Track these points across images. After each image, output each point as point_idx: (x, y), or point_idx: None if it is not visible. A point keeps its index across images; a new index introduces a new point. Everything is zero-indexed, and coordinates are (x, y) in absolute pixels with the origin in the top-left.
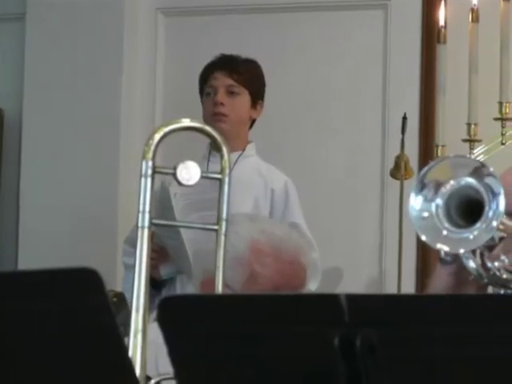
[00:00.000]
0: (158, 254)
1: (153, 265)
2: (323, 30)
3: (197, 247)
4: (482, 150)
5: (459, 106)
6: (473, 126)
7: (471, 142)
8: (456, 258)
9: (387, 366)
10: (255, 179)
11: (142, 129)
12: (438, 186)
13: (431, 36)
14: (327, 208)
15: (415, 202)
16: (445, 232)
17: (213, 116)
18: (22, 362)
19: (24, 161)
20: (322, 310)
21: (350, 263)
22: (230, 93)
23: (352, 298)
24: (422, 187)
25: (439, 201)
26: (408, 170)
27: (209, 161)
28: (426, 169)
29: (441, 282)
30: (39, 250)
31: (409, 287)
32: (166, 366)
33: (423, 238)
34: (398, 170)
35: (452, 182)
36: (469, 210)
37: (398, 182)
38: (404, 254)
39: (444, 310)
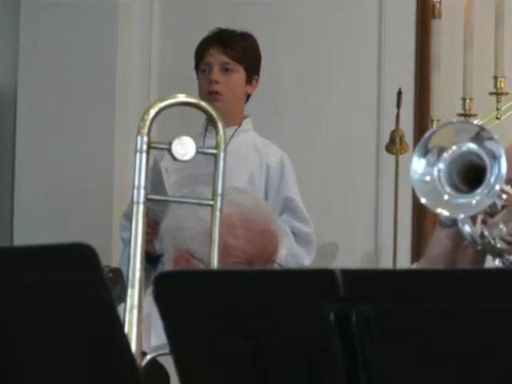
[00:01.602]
0: (153, 229)
1: (148, 240)
2: (319, 4)
3: (166, 223)
4: None
5: (454, 80)
6: (468, 101)
7: (466, 116)
8: (455, 222)
9: (383, 341)
10: (250, 154)
11: (138, 104)
12: (441, 150)
13: (426, 11)
14: (322, 183)
15: (417, 165)
16: (446, 196)
17: (208, 94)
18: (18, 337)
19: (19, 137)
20: (318, 285)
21: (345, 238)
22: (225, 70)
23: (347, 273)
24: (425, 151)
25: (441, 165)
26: (403, 145)
27: (205, 136)
28: (429, 133)
29: (439, 246)
30: (34, 225)
31: (404, 262)
32: (158, 339)
33: (423, 201)
34: (394, 144)
35: (454, 148)
36: (471, 175)
37: (393, 157)
38: (399, 229)
39: (439, 285)
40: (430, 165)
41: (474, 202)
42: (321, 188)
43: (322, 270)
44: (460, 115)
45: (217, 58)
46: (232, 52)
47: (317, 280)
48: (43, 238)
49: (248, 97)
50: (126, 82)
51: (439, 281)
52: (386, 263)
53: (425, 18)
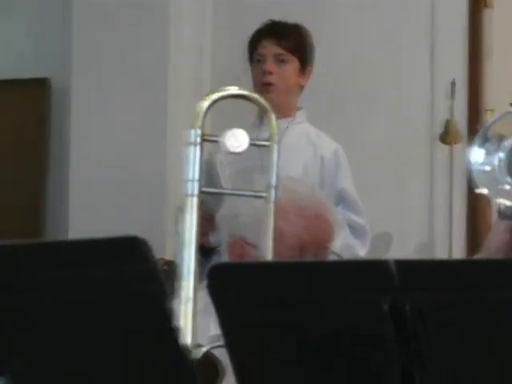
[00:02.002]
0: (208, 221)
1: (202, 232)
2: None
3: (222, 211)
4: None
5: (507, 70)
6: None
7: None
8: None
9: (437, 331)
10: (304, 146)
11: (190, 97)
12: (501, 139)
13: (478, 0)
14: (376, 174)
15: (477, 155)
16: (507, 186)
17: (262, 86)
18: (72, 329)
19: (73, 132)
20: (372, 276)
21: (399, 229)
22: (279, 61)
23: (401, 264)
24: (484, 141)
25: (502, 154)
26: (457, 135)
27: (259, 128)
28: (489, 122)
29: (497, 238)
30: (89, 219)
31: (459, 252)
32: (204, 335)
33: (485, 191)
34: (448, 135)
35: None
36: None
37: (447, 147)
38: (454, 220)
39: (493, 274)
40: (490, 154)
41: None
42: (375, 179)
43: (376, 261)
44: None
45: (270, 49)
46: (285, 43)
47: (371, 271)
48: (97, 232)
49: (301, 88)
50: (179, 74)
51: (493, 271)
52: (440, 254)
53: (477, 8)
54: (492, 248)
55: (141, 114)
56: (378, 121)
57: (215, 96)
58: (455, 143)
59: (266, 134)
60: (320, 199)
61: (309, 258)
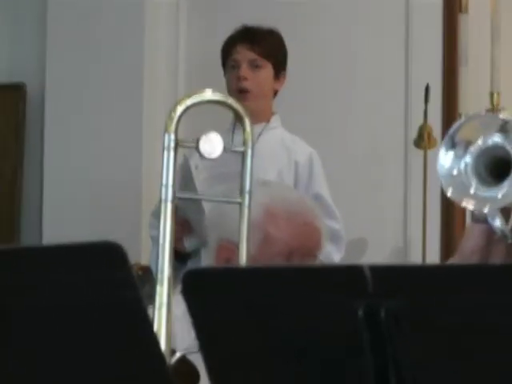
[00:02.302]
0: (182, 226)
1: (177, 237)
2: None
3: (210, 214)
4: None
5: (482, 74)
6: (495, 95)
7: (494, 111)
8: (486, 217)
9: (412, 336)
10: (279, 151)
11: (165, 102)
12: (468, 144)
13: (453, 5)
14: (351, 179)
15: (444, 159)
16: (472, 190)
17: (237, 92)
18: (45, 335)
19: (47, 137)
20: (346, 282)
21: (374, 233)
22: (254, 66)
23: (376, 269)
24: (451, 145)
25: (468, 159)
26: (431, 140)
27: (233, 133)
28: (455, 127)
29: (472, 242)
30: (63, 224)
31: (433, 257)
32: (184, 340)
33: (449, 193)
34: (422, 139)
35: (480, 141)
36: (498, 168)
37: (421, 152)
38: (428, 224)
39: (467, 280)
40: (457, 158)
41: (500, 195)
42: (349, 184)
43: (350, 266)
44: (488, 110)
45: (244, 54)
46: (259, 48)
47: (345, 276)
48: (72, 237)
49: (275, 93)
50: (154, 79)
51: (468, 276)
52: (415, 259)
53: (452, 13)
54: (467, 252)
55: (116, 118)
56: (353, 125)
57: (189, 102)
58: (429, 148)
59: (239, 139)
60: (310, 206)
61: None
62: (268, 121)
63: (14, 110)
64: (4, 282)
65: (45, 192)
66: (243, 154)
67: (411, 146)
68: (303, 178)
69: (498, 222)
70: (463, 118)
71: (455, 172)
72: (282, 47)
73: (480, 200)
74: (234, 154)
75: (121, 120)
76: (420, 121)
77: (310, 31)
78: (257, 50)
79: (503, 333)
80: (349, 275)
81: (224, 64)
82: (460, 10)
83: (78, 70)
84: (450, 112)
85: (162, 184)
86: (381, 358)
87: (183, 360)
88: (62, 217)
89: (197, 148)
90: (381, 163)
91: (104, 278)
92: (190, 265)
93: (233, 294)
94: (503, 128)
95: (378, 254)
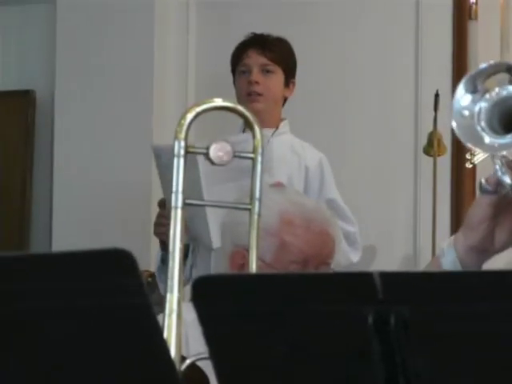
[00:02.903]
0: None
1: (163, 236)
2: (354, 7)
3: (225, 219)
4: None
5: None
6: None
7: None
8: (496, 190)
9: (422, 343)
10: (289, 157)
11: (175, 109)
12: (486, 90)
13: (463, 12)
14: (361, 186)
15: (461, 97)
16: (481, 134)
17: (248, 96)
18: (53, 344)
19: (56, 143)
20: (356, 288)
21: (384, 241)
22: (265, 71)
23: (385, 276)
24: (472, 87)
25: (483, 104)
26: (441, 147)
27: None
28: (479, 69)
29: (480, 212)
30: (73, 231)
31: None
32: (196, 347)
33: (457, 132)
34: (431, 146)
35: (497, 89)
36: (509, 120)
37: (431, 159)
38: (438, 231)
39: (479, 286)
40: (474, 101)
41: (505, 141)
42: (359, 191)
43: (360, 273)
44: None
45: (256, 59)
46: (271, 54)
47: (355, 283)
48: (81, 244)
49: (285, 100)
50: (164, 85)
51: (480, 282)
52: (425, 265)
53: (461, 20)
54: (474, 222)
55: (125, 124)
56: (363, 132)
57: (199, 109)
58: (439, 155)
59: (248, 146)
60: (325, 214)
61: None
62: (277, 127)
63: (24, 116)
64: (13, 287)
65: (54, 197)
66: (253, 161)
67: (421, 153)
68: (314, 183)
69: (508, 179)
70: (484, 63)
71: (467, 113)
72: (291, 55)
73: (486, 145)
74: (239, 169)
75: (130, 125)
76: (430, 128)
77: (320, 39)
78: (268, 55)
79: None
80: (358, 282)
81: (234, 70)
82: (469, 17)
83: (87, 77)
84: None
85: (171, 191)
86: (390, 366)
87: (193, 367)
88: (72, 221)
89: (207, 154)
90: (390, 170)
91: (113, 284)
92: (189, 261)
93: (242, 301)
94: None
95: (388, 261)
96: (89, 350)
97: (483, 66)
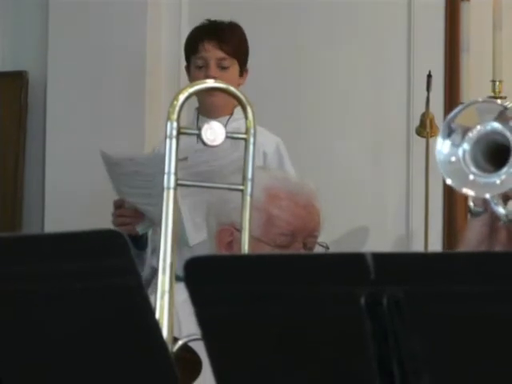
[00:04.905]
0: (132, 216)
1: (128, 226)
2: None
3: (211, 200)
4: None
5: (484, 62)
6: (497, 83)
7: (496, 98)
8: (486, 208)
9: (414, 324)
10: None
11: (168, 89)
12: (465, 130)
13: None
14: (353, 168)
15: (442, 146)
16: (471, 177)
17: (206, 91)
18: (47, 322)
19: (49, 123)
20: (348, 269)
21: (376, 222)
22: (222, 67)
23: (378, 257)
24: (449, 132)
25: (466, 146)
26: (433, 128)
27: (197, 126)
28: (452, 113)
29: (474, 234)
30: (65, 210)
31: (436, 245)
32: (187, 327)
33: (449, 182)
34: (424, 127)
35: (478, 128)
36: (496, 154)
37: (423, 140)
38: (431, 212)
39: (471, 268)
40: (455, 145)
41: (499, 181)
42: (351, 172)
43: (352, 254)
44: (490, 97)
45: (213, 53)
46: (227, 47)
47: (347, 264)
48: (73, 225)
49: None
50: (156, 66)
51: (470, 263)
52: (417, 247)
53: (454, 1)
54: (474, 246)
55: (118, 106)
56: (355, 114)
57: (192, 89)
58: (431, 136)
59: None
60: (309, 188)
61: (299, 245)
62: (231, 113)
63: (16, 97)
64: (5, 268)
65: (47, 179)
66: (245, 142)
67: (413, 134)
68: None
69: (501, 209)
70: (460, 106)
71: (453, 159)
72: (245, 43)
73: (480, 187)
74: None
75: (123, 107)
76: (422, 109)
77: (311, 18)
78: (225, 48)
79: (505, 322)
80: (351, 263)
81: (188, 57)
82: None
83: (80, 58)
84: (452, 100)
85: (164, 172)
86: (383, 346)
87: (185, 348)
88: (65, 203)
89: (199, 135)
90: (383, 151)
91: (105, 265)
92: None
93: (235, 281)
94: (501, 114)
95: (380, 242)
96: (79, 329)
97: (454, 110)
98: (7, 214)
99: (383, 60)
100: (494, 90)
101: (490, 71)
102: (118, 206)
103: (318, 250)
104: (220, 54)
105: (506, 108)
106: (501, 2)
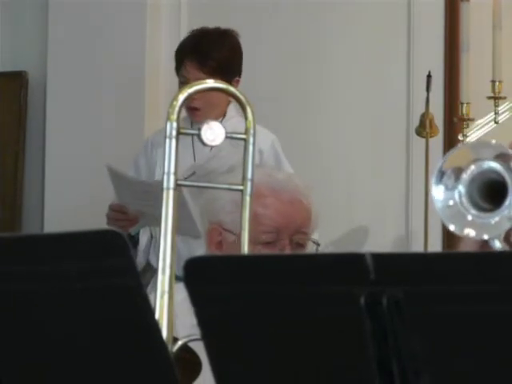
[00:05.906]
0: (126, 220)
1: (122, 226)
2: None
3: (202, 199)
4: (507, 107)
5: (484, 63)
6: (497, 83)
7: (496, 99)
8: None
9: (414, 324)
10: (240, 142)
11: (168, 89)
12: (458, 173)
13: None
14: (353, 167)
15: (437, 192)
16: (470, 217)
17: (188, 108)
18: (47, 322)
19: (48, 123)
20: (348, 270)
21: (376, 222)
22: None
23: (378, 257)
24: (441, 176)
25: (461, 188)
26: (433, 128)
27: (192, 126)
28: (443, 158)
29: (471, 248)
30: (64, 211)
31: (435, 246)
32: (184, 324)
33: (451, 227)
34: (423, 127)
35: (472, 167)
36: (493, 191)
37: (423, 140)
38: (430, 213)
39: (470, 268)
40: (450, 189)
41: (493, 222)
42: (351, 172)
43: (352, 254)
44: (489, 98)
45: (193, 74)
46: (207, 68)
47: (347, 264)
48: (73, 224)
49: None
50: (156, 68)
51: (470, 264)
52: (417, 247)
53: (453, 1)
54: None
55: (118, 106)
56: (355, 114)
57: (191, 90)
58: (431, 136)
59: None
60: (297, 184)
61: (285, 242)
62: (224, 114)
63: (16, 97)
64: (5, 268)
65: (46, 179)
66: (245, 142)
67: (413, 135)
68: (269, 165)
69: (498, 244)
70: (450, 150)
71: (451, 202)
72: (233, 55)
73: (479, 227)
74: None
75: (123, 107)
76: (422, 109)
77: (311, 17)
78: (205, 69)
79: (505, 322)
80: (351, 263)
81: (177, 69)
82: None
83: (80, 58)
84: (451, 100)
85: (164, 172)
86: (383, 347)
87: (185, 348)
88: (64, 203)
89: (199, 136)
90: (383, 151)
91: (105, 265)
92: (141, 249)
93: (235, 281)
94: (498, 156)
95: (380, 242)
96: (79, 329)
97: (443, 158)
98: (7, 214)
99: (383, 60)
100: (493, 91)
101: (489, 71)
102: (115, 210)
103: (309, 246)
104: (200, 75)
105: (501, 153)
106: (501, 2)
